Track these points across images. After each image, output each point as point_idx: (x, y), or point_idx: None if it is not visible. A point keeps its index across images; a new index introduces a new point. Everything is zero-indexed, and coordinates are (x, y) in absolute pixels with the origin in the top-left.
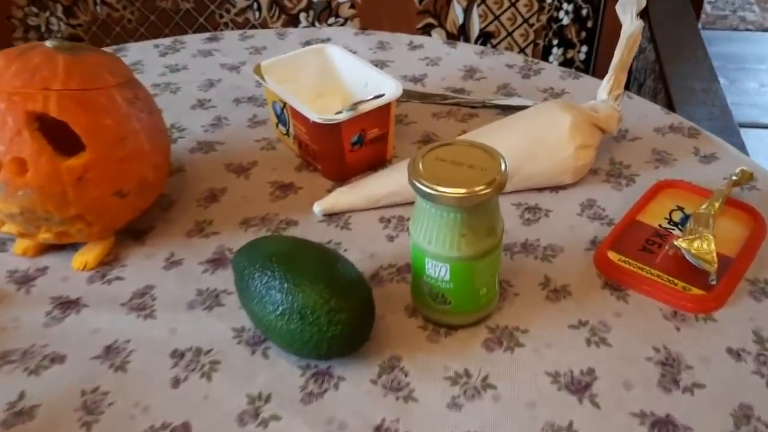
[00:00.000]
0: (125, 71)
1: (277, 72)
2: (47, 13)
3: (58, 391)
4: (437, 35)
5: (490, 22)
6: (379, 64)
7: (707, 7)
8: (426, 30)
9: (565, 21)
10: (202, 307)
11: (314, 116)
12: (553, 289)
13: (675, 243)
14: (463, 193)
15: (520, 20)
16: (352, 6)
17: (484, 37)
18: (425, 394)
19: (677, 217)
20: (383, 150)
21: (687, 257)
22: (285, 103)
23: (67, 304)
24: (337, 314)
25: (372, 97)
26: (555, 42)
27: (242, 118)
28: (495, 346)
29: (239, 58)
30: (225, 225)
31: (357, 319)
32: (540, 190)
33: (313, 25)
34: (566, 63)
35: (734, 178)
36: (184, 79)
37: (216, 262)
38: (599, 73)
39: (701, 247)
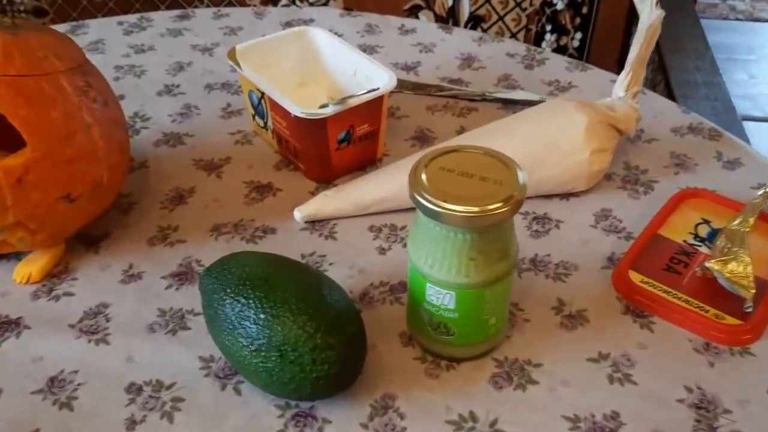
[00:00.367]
0: (77, 54)
1: (255, 57)
2: None
3: None
4: (425, 17)
5: (481, 5)
6: (368, 50)
7: None
8: (413, 12)
9: (560, 6)
10: (164, 330)
11: (296, 110)
12: (567, 314)
13: (707, 265)
14: (474, 212)
15: (512, 4)
16: None
17: (474, 21)
18: None
19: (704, 231)
20: (373, 148)
21: (720, 281)
22: (263, 93)
23: (6, 326)
24: (323, 352)
25: (364, 91)
26: (548, 28)
27: (214, 107)
28: (504, 382)
29: (212, 38)
30: (193, 232)
31: (346, 357)
32: (549, 197)
33: (294, 3)
34: (559, 50)
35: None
36: (150, 62)
37: (181, 277)
38: (592, 62)
39: (736, 269)
